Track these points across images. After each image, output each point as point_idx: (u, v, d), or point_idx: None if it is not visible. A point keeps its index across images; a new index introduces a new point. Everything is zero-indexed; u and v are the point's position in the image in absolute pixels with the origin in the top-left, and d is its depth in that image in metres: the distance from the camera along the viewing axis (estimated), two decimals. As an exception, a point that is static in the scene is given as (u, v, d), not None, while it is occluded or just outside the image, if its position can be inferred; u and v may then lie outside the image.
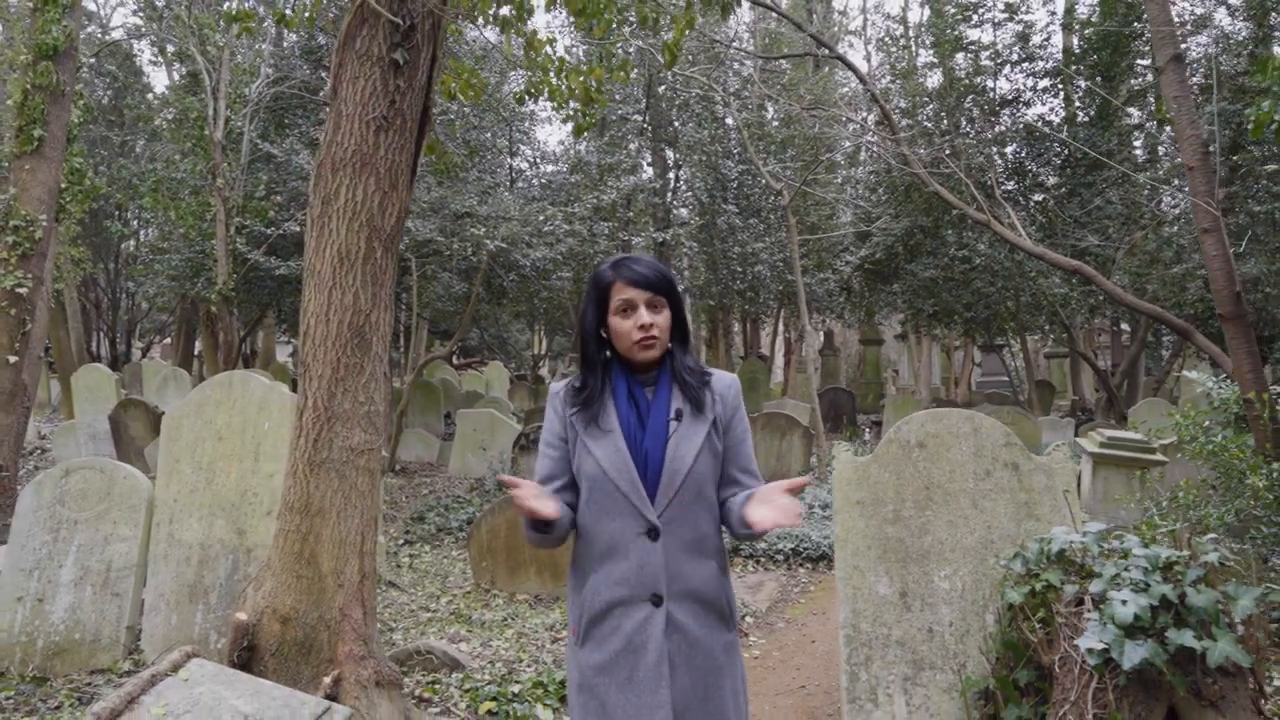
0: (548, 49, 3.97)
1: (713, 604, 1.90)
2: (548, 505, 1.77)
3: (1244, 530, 4.51)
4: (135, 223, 21.32)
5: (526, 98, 4.22)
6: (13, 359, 7.45)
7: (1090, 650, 2.15)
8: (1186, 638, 2.11)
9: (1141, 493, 6.38)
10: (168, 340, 31.58)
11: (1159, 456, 7.23)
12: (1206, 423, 4.91)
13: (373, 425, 3.27)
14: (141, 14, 16.42)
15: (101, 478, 4.64)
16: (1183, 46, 14.16)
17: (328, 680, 2.97)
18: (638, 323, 1.89)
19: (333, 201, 3.17)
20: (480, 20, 3.84)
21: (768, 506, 1.76)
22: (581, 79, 3.89)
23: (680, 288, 18.63)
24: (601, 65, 3.87)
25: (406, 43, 3.21)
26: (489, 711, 3.55)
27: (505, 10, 3.80)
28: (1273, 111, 2.98)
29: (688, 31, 4.16)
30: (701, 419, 1.91)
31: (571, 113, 4.09)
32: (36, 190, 7.57)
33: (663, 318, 1.92)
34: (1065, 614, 2.37)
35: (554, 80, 3.91)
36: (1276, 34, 12.18)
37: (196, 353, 23.81)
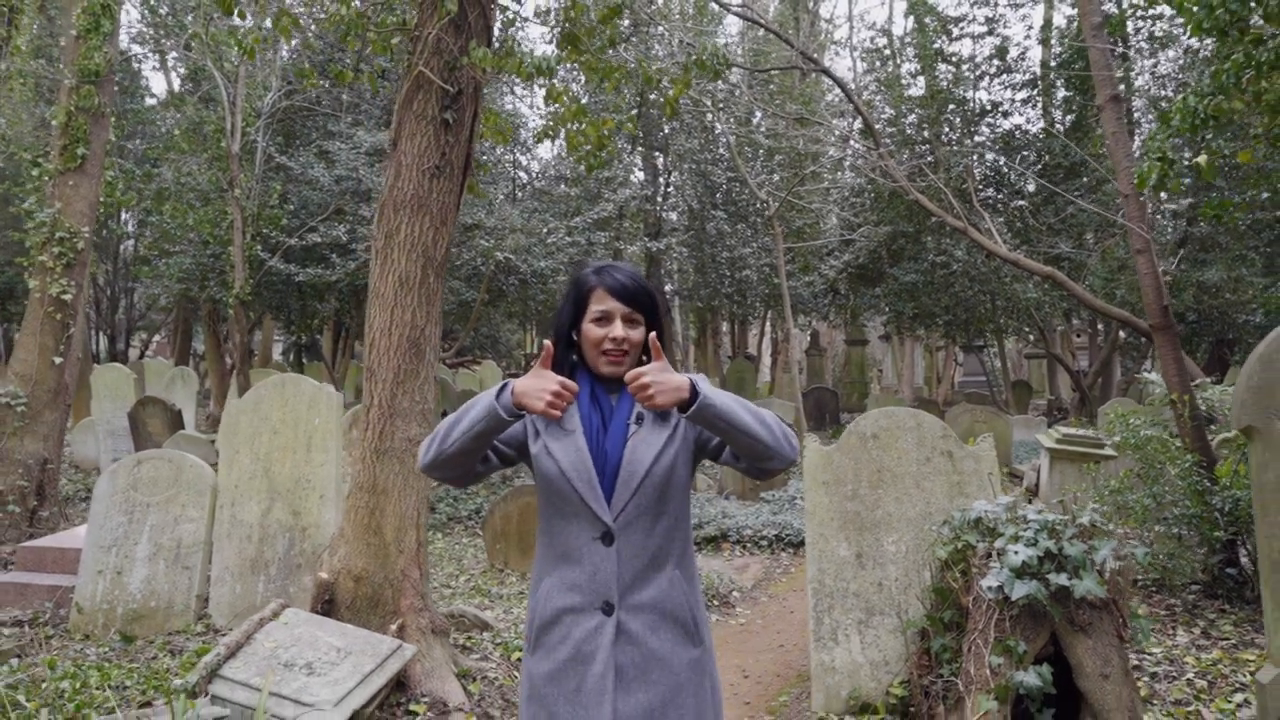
0: (565, 99, 4.65)
1: (673, 616, 1.82)
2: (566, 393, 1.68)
3: (1162, 512, 5.24)
4: (131, 224, 21.84)
5: (545, 138, 4.91)
6: (58, 360, 8.09)
7: (990, 588, 2.86)
8: (1062, 579, 2.82)
9: (1088, 483, 7.11)
10: (158, 339, 32.14)
11: (1108, 451, 7.96)
12: (1132, 420, 5.63)
13: (426, 420, 3.95)
14: (144, 21, 16.97)
15: (170, 466, 5.30)
16: (1149, 62, 14.96)
17: (394, 627, 3.66)
18: (610, 334, 1.84)
19: (394, 236, 3.86)
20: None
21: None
22: (593, 127, 4.58)
23: (668, 287, 19.28)
24: (611, 118, 4.55)
25: (455, 105, 3.89)
26: (519, 659, 4.24)
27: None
28: (1151, 171, 3.70)
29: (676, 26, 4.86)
30: (664, 425, 1.86)
31: (584, 154, 4.78)
32: (79, 204, 8.20)
33: (637, 333, 1.86)
34: (978, 565, 3.08)
35: (570, 128, 4.59)
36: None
37: (193, 351, 24.37)
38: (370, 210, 10.00)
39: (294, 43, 13.76)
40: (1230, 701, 3.62)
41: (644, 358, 1.90)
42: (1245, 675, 3.87)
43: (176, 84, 19.80)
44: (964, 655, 3.02)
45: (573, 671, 1.77)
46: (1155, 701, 3.63)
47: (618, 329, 1.84)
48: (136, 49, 18.82)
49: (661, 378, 1.68)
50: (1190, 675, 3.91)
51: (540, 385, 1.68)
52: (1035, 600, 2.83)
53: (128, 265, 23.10)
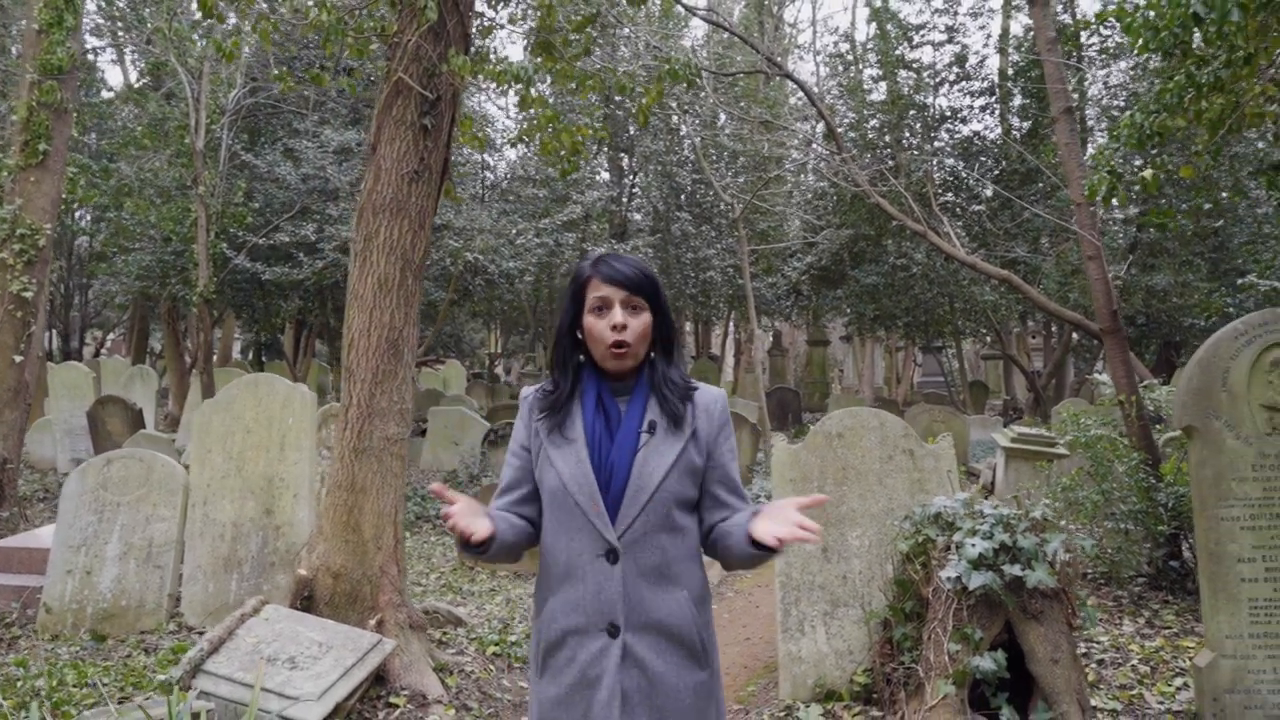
0: (540, 105, 4.74)
1: (680, 638, 1.74)
2: (479, 525, 1.63)
3: (1110, 507, 5.47)
4: (86, 220, 21.48)
5: (519, 143, 5.00)
6: (18, 358, 7.99)
7: (949, 578, 3.03)
8: (1016, 569, 3.00)
9: (1041, 480, 7.38)
10: (112, 336, 31.59)
11: (1060, 450, 8.24)
12: (1083, 420, 5.86)
13: (404, 419, 4.03)
14: (101, 13, 16.69)
15: (141, 466, 5.30)
16: (1103, 72, 15.38)
17: (372, 622, 3.74)
18: (610, 323, 1.75)
19: (373, 239, 3.93)
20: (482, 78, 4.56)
21: (778, 523, 1.59)
22: (568, 134, 4.68)
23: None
24: (585, 124, 4.66)
25: (433, 111, 3.98)
26: (494, 654, 4.34)
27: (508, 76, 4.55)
28: (1101, 184, 3.91)
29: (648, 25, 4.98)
30: (678, 435, 1.77)
31: (558, 159, 4.88)
32: (40, 201, 8.11)
33: (639, 321, 1.77)
34: (938, 557, 3.24)
35: (546, 136, 4.69)
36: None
37: (150, 349, 24.00)
38: (338, 209, 9.99)
39: (257, 41, 13.67)
40: (1171, 685, 3.84)
41: (651, 355, 1.84)
42: (1185, 661, 4.09)
43: (134, 77, 19.50)
44: (924, 643, 3.18)
45: (579, 697, 1.71)
46: (1102, 686, 3.83)
47: (616, 314, 1.75)
48: (93, 41, 18.51)
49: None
50: (1135, 661, 4.12)
51: (448, 521, 1.65)
52: (991, 590, 3.00)
53: (82, 262, 22.69)
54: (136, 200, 12.32)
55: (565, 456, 1.76)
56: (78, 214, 20.78)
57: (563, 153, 4.78)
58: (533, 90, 4.52)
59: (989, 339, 20.65)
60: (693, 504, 1.82)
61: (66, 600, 5.06)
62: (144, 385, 14.57)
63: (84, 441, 11.81)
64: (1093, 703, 3.48)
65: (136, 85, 17.62)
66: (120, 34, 16.94)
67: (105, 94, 19.74)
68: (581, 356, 1.84)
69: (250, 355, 23.64)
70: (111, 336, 31.59)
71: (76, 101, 8.54)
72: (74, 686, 3.71)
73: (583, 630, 1.73)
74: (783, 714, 3.74)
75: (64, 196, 9.49)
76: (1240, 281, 11.12)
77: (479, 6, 4.39)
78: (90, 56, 19.61)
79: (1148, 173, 3.73)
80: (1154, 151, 5.05)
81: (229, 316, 18.60)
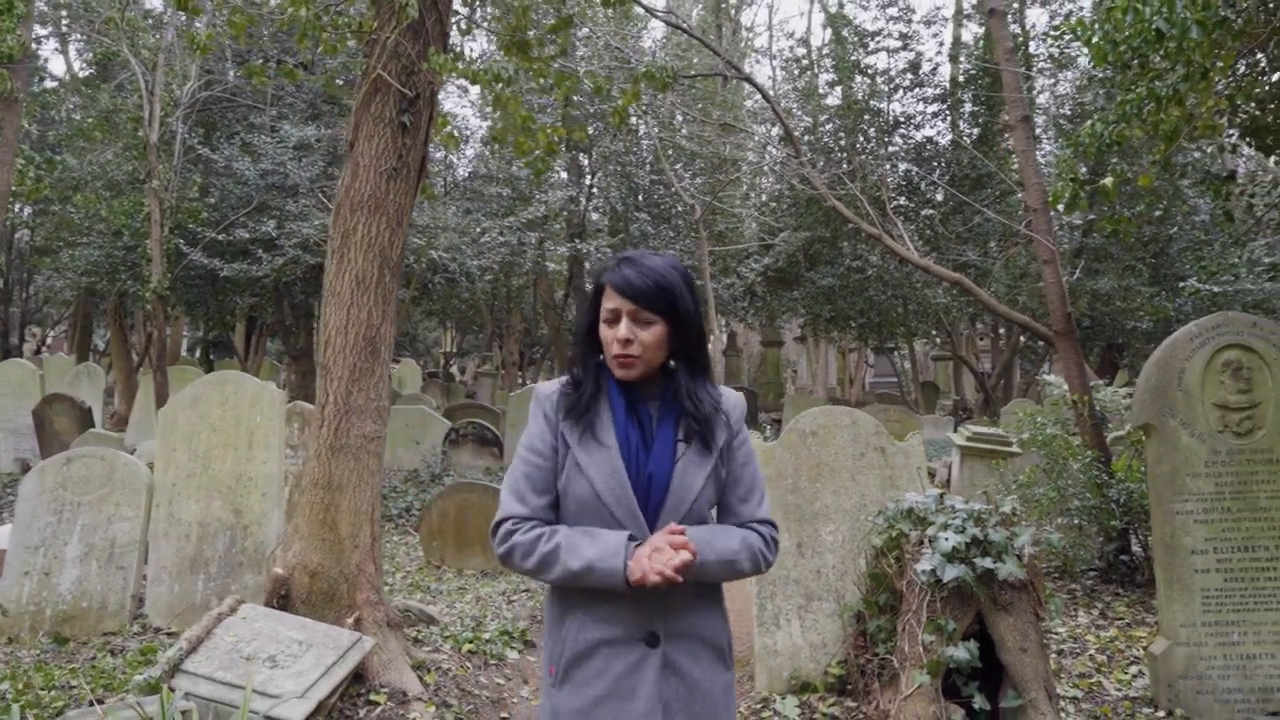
0: (514, 105, 4.76)
1: (713, 643, 1.76)
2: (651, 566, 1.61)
3: (1065, 504, 5.66)
4: (26, 213, 20.85)
5: (495, 143, 5.01)
6: (-36, 355, 7.74)
7: (923, 571, 3.13)
8: (987, 562, 3.11)
9: (996, 478, 7.59)
10: (54, 334, 30.68)
11: (1014, 449, 8.47)
12: (1039, 419, 6.06)
13: (380, 417, 4.03)
14: (46, 1, 16.22)
15: (103, 465, 5.20)
16: (1050, 81, 15.77)
17: (350, 620, 3.73)
18: (615, 335, 1.72)
19: (351, 236, 3.92)
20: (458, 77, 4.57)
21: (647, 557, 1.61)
22: (543, 134, 4.71)
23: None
24: (560, 125, 4.69)
25: (412, 109, 3.98)
26: (469, 651, 4.35)
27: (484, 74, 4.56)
28: (1064, 191, 4.07)
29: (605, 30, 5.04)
30: (709, 452, 1.76)
31: (532, 159, 4.91)
32: (-11, 193, 7.89)
33: (649, 334, 1.71)
34: (911, 551, 3.34)
35: (519, 136, 4.71)
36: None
37: (94, 347, 23.35)
38: (298, 206, 9.85)
39: (216, 32, 13.40)
40: (1126, 673, 4.00)
41: (671, 363, 1.80)
42: (1138, 650, 4.26)
43: (78, 67, 18.99)
44: (899, 634, 3.28)
45: (608, 709, 1.67)
46: (1062, 675, 3.98)
47: (621, 329, 1.71)
48: (37, 30, 17.96)
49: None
50: (1091, 651, 4.29)
51: (652, 565, 1.59)
52: (964, 582, 3.10)
53: (23, 256, 22.00)
54: (85, 194, 12.01)
55: (599, 464, 1.72)
56: (18, 207, 20.14)
57: (537, 152, 4.81)
58: (507, 89, 4.54)
59: (940, 340, 21.07)
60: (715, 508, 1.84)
61: (24, 603, 4.94)
62: (91, 383, 14.18)
63: (29, 441, 11.48)
64: (1056, 690, 3.62)
65: (81, 76, 17.17)
66: (66, 22, 16.49)
67: (49, 84, 19.18)
68: (602, 356, 1.80)
69: (198, 353, 23.18)
70: (53, 333, 30.69)
71: (25, 91, 8.33)
72: (41, 689, 3.63)
73: (619, 641, 1.69)
74: (759, 706, 3.82)
75: (14, 189, 9.23)
76: (1182, 286, 11.54)
77: (456, 5, 4.40)
78: (34, 46, 19.01)
79: (1108, 180, 3.89)
80: (1114, 161, 5.24)
81: (179, 314, 18.20)
